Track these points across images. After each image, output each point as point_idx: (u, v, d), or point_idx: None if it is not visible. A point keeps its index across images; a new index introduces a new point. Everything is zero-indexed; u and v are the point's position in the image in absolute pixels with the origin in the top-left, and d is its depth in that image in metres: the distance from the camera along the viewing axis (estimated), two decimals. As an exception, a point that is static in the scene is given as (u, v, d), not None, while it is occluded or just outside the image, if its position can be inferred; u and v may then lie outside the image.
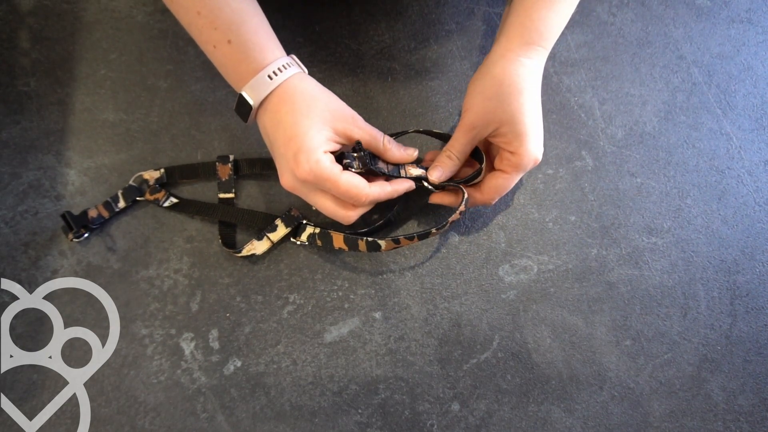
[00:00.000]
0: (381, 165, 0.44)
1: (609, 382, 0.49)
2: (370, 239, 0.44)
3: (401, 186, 0.43)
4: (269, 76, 0.39)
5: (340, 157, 0.41)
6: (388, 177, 0.44)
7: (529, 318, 0.49)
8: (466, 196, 0.44)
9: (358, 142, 0.41)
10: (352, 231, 0.48)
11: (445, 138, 0.50)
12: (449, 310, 0.49)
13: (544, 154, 0.51)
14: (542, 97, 0.53)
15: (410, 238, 0.43)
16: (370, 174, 0.42)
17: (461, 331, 0.49)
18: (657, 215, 0.51)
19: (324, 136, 0.39)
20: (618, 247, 0.51)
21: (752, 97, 0.54)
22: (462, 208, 0.44)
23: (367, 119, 0.52)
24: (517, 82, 0.41)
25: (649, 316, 0.50)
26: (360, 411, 0.47)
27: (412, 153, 0.45)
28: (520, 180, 0.51)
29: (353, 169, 0.40)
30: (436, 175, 0.45)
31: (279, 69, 0.40)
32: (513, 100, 0.41)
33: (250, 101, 0.40)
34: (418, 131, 0.49)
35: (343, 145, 0.42)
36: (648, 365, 0.49)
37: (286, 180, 0.41)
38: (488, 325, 0.49)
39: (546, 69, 0.53)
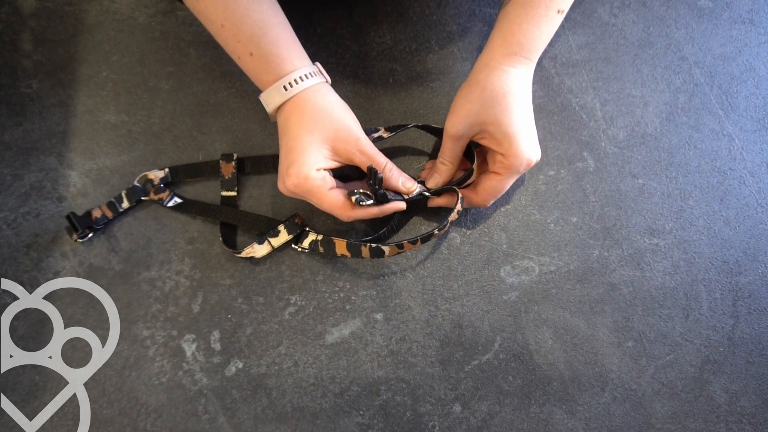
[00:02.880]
0: (390, 197, 0.44)
1: (611, 384, 0.48)
2: (373, 245, 0.44)
3: (389, 207, 0.44)
4: (285, 87, 0.41)
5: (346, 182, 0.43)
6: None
7: (531, 319, 0.49)
8: (460, 196, 0.45)
9: (371, 168, 0.41)
10: (355, 238, 0.48)
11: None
12: (451, 311, 0.49)
13: (546, 155, 0.52)
14: (544, 98, 0.53)
15: (413, 241, 0.44)
16: (378, 202, 0.43)
17: (463, 333, 0.49)
18: (659, 216, 0.51)
19: (322, 154, 0.41)
20: (620, 249, 0.51)
21: (754, 98, 0.54)
22: (459, 207, 0.44)
23: (369, 120, 0.52)
24: (501, 86, 0.43)
25: (650, 318, 0.50)
26: (361, 412, 0.47)
27: (411, 186, 0.45)
28: (522, 181, 0.51)
29: (363, 203, 0.42)
30: (434, 182, 0.47)
31: (295, 80, 0.41)
32: (496, 102, 0.42)
33: (266, 107, 0.43)
34: (417, 126, 0.49)
35: (342, 163, 0.43)
36: (650, 366, 0.49)
37: (280, 185, 0.43)
38: (490, 326, 0.49)
39: (547, 70, 0.54)
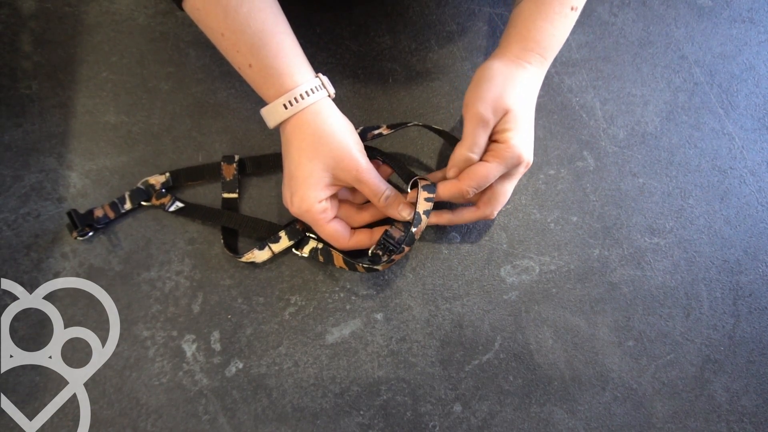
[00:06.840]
0: (397, 236, 0.45)
1: (611, 383, 0.48)
2: (366, 265, 0.45)
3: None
4: (285, 105, 0.41)
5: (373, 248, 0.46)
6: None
7: (531, 319, 0.49)
8: (415, 176, 0.44)
9: (381, 240, 0.45)
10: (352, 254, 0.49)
11: (443, 135, 0.50)
12: (451, 311, 0.49)
13: (546, 155, 0.52)
14: (544, 97, 0.53)
15: (400, 251, 0.44)
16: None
17: (463, 332, 0.49)
18: (659, 215, 0.51)
19: (323, 182, 0.42)
20: (620, 248, 0.51)
21: (754, 97, 0.54)
22: (426, 194, 0.43)
23: (368, 120, 0.52)
24: (519, 78, 0.43)
25: (651, 317, 0.49)
26: (362, 412, 0.47)
27: (408, 216, 0.44)
28: (522, 181, 0.51)
29: (383, 261, 0.45)
30: (453, 173, 0.44)
31: (295, 98, 0.40)
32: (513, 91, 0.42)
33: (267, 123, 0.43)
34: (417, 125, 0.49)
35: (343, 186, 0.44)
36: (651, 366, 0.49)
37: (286, 204, 0.44)
38: (490, 326, 0.49)
39: (547, 70, 0.54)
